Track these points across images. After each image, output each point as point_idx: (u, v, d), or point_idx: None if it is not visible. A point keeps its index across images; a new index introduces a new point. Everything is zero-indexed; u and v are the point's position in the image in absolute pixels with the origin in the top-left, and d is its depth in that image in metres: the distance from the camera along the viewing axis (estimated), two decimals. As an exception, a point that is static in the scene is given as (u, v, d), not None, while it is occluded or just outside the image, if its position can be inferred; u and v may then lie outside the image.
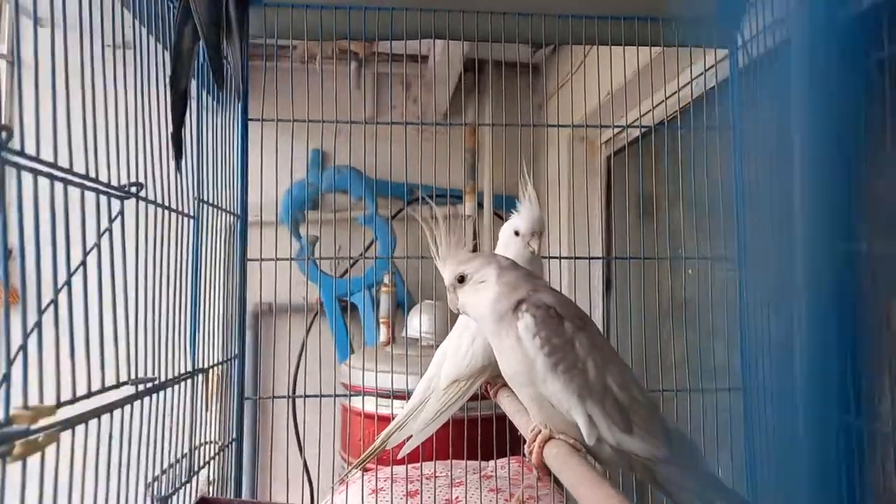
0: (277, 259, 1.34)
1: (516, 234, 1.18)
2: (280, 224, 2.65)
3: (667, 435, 0.80)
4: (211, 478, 1.10)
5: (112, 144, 0.76)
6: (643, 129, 1.54)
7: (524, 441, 0.90)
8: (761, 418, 1.20)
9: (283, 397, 1.48)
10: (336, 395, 1.53)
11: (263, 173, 1.29)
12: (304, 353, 2.59)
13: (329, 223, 2.72)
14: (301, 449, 2.38)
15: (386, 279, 2.58)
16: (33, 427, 0.57)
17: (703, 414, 1.32)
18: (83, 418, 0.61)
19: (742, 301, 1.27)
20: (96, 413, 0.66)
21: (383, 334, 2.60)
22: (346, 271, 2.66)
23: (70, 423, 0.59)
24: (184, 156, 0.95)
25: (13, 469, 0.55)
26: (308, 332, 2.60)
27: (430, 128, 2.64)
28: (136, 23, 0.89)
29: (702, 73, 1.50)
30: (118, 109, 0.79)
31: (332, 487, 1.11)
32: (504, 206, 2.13)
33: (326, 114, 1.33)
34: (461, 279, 0.89)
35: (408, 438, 1.18)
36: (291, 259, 1.47)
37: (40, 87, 0.63)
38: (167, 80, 0.90)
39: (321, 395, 1.41)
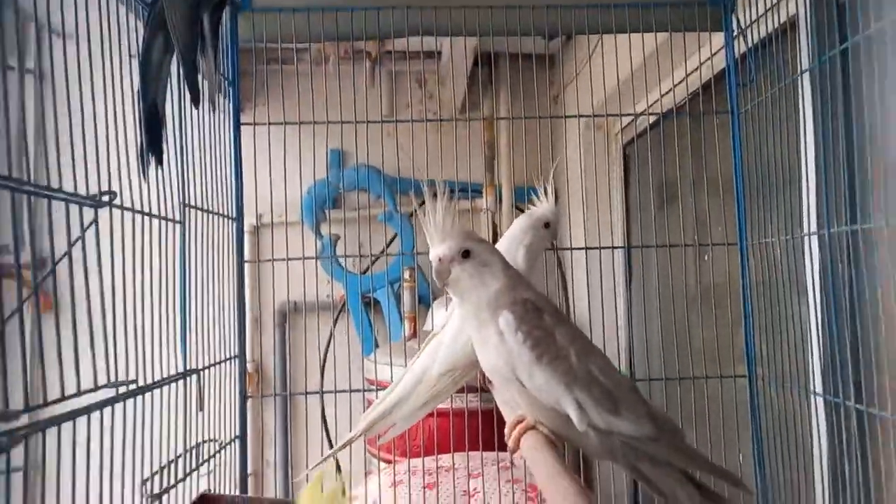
0: (303, 258, 1.36)
1: (546, 225, 1.18)
2: (302, 224, 2.69)
3: (652, 415, 0.81)
4: (213, 475, 1.13)
5: (91, 153, 0.79)
6: (653, 117, 1.52)
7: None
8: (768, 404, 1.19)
9: (313, 393, 1.51)
10: (364, 390, 1.55)
11: (286, 175, 1.31)
12: (330, 349, 2.64)
13: (350, 222, 2.76)
14: (331, 443, 2.43)
15: (407, 274, 2.60)
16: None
17: (722, 399, 1.31)
18: (55, 421, 0.64)
19: (745, 286, 1.26)
20: (70, 416, 0.69)
21: (408, 329, 2.62)
22: (367, 268, 2.69)
23: (38, 427, 0.62)
24: (166, 162, 0.97)
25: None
26: (334, 328, 2.65)
27: (448, 123, 2.65)
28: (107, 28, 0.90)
29: (709, 58, 1.48)
30: (96, 118, 0.82)
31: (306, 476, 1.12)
32: (525, 198, 2.13)
33: (343, 114, 1.34)
34: (466, 254, 0.86)
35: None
36: (315, 258, 1.48)
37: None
38: (136, 92, 0.92)
39: (350, 391, 1.44)
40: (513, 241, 1.17)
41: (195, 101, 0.97)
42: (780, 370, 1.19)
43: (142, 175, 0.93)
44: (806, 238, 1.09)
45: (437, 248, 0.87)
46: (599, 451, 0.81)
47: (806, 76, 1.09)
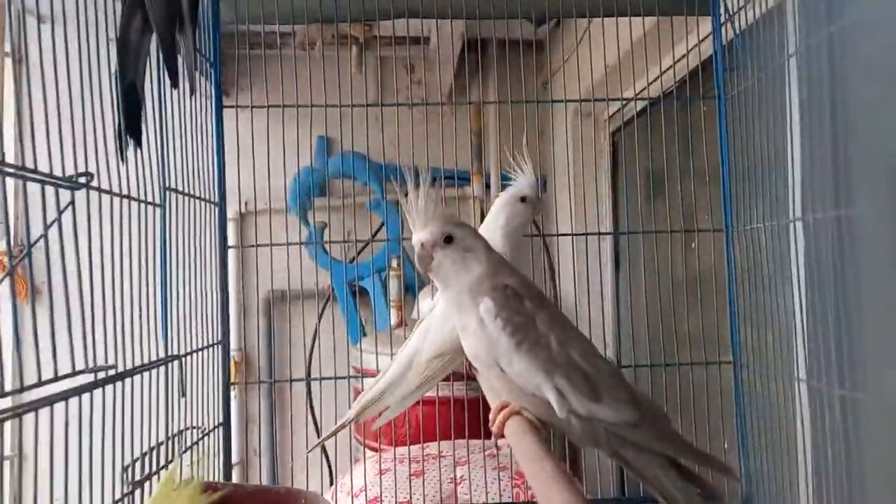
0: (287, 244, 1.35)
1: (522, 200, 1.15)
2: (289, 212, 2.67)
3: (634, 400, 0.80)
4: (195, 462, 1.12)
5: (67, 134, 0.78)
6: (641, 104, 1.52)
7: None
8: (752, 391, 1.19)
9: (298, 380, 1.51)
10: (350, 377, 1.56)
11: (270, 161, 1.29)
12: (317, 338, 2.63)
13: (337, 210, 2.74)
14: (318, 430, 2.42)
15: (395, 263, 2.59)
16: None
17: (707, 387, 1.31)
18: (32, 406, 0.63)
19: (731, 272, 1.25)
20: (49, 401, 0.68)
21: (395, 317, 2.61)
22: (354, 257, 2.68)
23: (15, 412, 0.61)
24: (146, 145, 0.96)
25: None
26: (321, 317, 2.64)
27: (435, 110, 2.64)
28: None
29: (696, 45, 1.48)
30: (72, 98, 0.80)
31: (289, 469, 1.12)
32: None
33: (329, 99, 1.32)
34: (448, 239, 0.85)
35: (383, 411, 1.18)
36: (299, 244, 1.47)
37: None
38: (114, 73, 0.90)
39: (336, 378, 1.44)
40: (491, 222, 1.16)
41: (173, 82, 0.95)
42: (765, 356, 1.19)
43: (120, 157, 0.92)
44: (791, 224, 1.09)
45: (420, 234, 0.85)
46: (582, 437, 0.81)
47: (793, 60, 1.09)
